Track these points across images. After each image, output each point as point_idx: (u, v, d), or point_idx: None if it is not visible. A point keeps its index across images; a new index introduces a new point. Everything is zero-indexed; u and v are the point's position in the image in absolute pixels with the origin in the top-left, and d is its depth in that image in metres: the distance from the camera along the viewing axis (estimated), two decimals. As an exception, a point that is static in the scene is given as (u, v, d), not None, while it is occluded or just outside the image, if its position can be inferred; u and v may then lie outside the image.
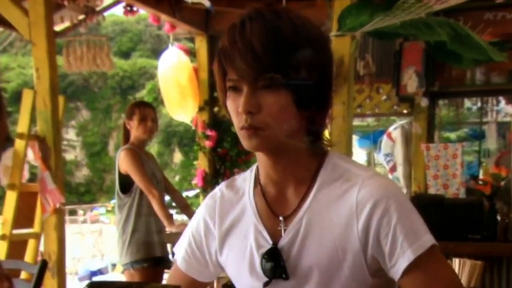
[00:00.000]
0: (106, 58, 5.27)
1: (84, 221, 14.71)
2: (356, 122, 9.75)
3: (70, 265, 11.24)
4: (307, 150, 1.29)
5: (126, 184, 4.08)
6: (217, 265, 1.43)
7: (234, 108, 1.24)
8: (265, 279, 1.30)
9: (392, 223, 1.20)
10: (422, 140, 6.29)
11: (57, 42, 4.58)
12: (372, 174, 1.28)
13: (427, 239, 1.21)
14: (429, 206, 3.89)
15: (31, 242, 4.52)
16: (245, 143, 1.24)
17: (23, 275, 3.60)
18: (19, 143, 4.31)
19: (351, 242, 1.23)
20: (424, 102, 6.12)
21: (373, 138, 9.72)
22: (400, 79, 6.11)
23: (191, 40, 6.81)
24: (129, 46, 36.21)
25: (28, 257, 4.45)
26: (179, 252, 1.47)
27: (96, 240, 13.50)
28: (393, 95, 6.45)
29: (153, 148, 29.98)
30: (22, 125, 4.36)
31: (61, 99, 4.54)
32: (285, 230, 1.29)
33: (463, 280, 2.44)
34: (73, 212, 15.85)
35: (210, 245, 1.41)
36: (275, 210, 1.32)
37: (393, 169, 7.13)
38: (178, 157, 29.93)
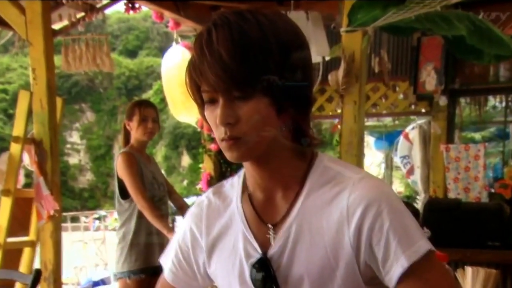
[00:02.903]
0: (106, 57, 5.28)
1: (87, 228, 14.75)
2: (372, 122, 9.73)
3: (71, 275, 11.29)
4: (293, 153, 1.29)
5: (126, 189, 4.07)
6: (206, 276, 1.43)
7: (213, 120, 1.24)
8: None
9: (384, 228, 1.19)
10: (441, 140, 6.26)
11: (55, 41, 4.59)
12: (363, 176, 1.27)
13: (422, 245, 1.20)
14: (445, 212, 3.87)
15: (26, 251, 4.53)
16: (228, 154, 1.24)
17: (18, 286, 3.61)
18: (14, 147, 4.33)
19: (343, 249, 1.22)
20: (443, 101, 6.09)
21: (390, 139, 9.69)
22: (418, 76, 6.09)
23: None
24: (135, 45, 36.42)
25: (23, 266, 4.47)
26: (166, 264, 1.48)
27: (99, 248, 13.53)
28: (410, 93, 6.43)
29: (160, 151, 30.12)
30: (17, 128, 4.38)
31: (59, 101, 4.56)
32: (274, 238, 1.29)
33: (476, 290, 2.42)
34: (75, 219, 15.90)
35: (198, 256, 1.41)
36: (263, 217, 1.32)
37: (410, 172, 7.11)
38: (186, 160, 30.00)
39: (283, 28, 1.23)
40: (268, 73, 1.18)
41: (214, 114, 1.22)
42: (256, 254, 1.30)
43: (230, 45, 1.17)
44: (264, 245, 1.30)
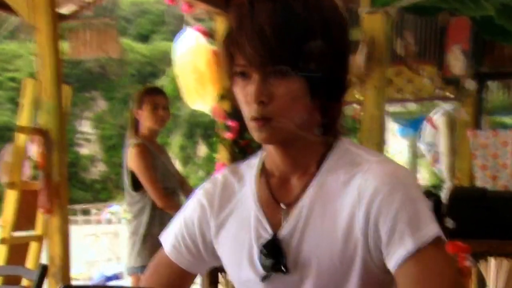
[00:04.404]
0: (114, 43, 5.28)
1: (99, 222, 14.85)
2: (396, 108, 9.67)
3: (83, 270, 11.37)
4: (318, 140, 1.30)
5: (137, 181, 4.06)
6: (211, 255, 1.42)
7: (243, 97, 1.24)
8: (263, 272, 1.30)
9: (392, 209, 1.18)
10: (468, 127, 6.20)
11: (64, 27, 4.59)
12: (382, 159, 1.27)
13: (431, 229, 1.18)
14: (469, 201, 3.83)
15: (33, 246, 4.54)
16: (256, 135, 1.25)
17: (24, 282, 3.63)
18: (19, 137, 4.35)
19: (354, 232, 1.22)
20: (471, 85, 6.04)
21: (415, 125, 9.62)
22: (445, 59, 6.03)
23: (210, 20, 6.79)
24: (149, 29, 36.48)
25: (30, 262, 4.49)
26: (168, 239, 1.46)
27: (112, 242, 13.60)
28: (436, 77, 6.37)
29: (175, 140, 30.19)
30: (23, 117, 4.40)
31: (66, 89, 4.56)
32: (286, 219, 1.29)
33: (500, 281, 2.40)
34: (86, 212, 16.01)
35: (205, 233, 1.41)
36: (277, 197, 1.33)
37: (436, 159, 7.03)
38: (202, 150, 30.08)
39: (327, 6, 1.24)
40: (309, 52, 1.19)
41: (245, 90, 1.23)
42: (266, 235, 1.31)
43: (273, 19, 1.17)
44: (276, 226, 1.31)
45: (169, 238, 1.46)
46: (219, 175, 1.44)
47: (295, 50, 1.18)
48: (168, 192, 4.07)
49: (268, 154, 1.35)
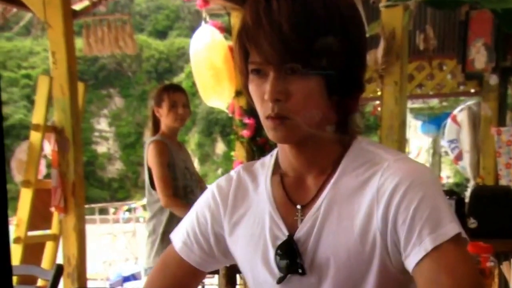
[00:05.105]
0: (129, 39, 5.30)
1: (116, 221, 14.88)
2: (417, 104, 9.64)
3: (100, 270, 11.40)
4: (334, 137, 1.30)
5: (157, 179, 4.08)
6: (223, 253, 1.43)
7: (259, 95, 1.24)
8: (280, 274, 1.30)
9: (411, 208, 1.18)
10: (492, 123, 6.17)
11: (78, 23, 4.61)
12: (400, 157, 1.27)
13: (451, 228, 1.18)
14: (492, 200, 3.81)
15: (48, 245, 4.57)
16: (271, 134, 1.25)
17: (40, 282, 3.65)
18: (34, 135, 4.38)
19: (372, 232, 1.22)
20: (494, 80, 6.02)
21: (437, 122, 9.59)
22: (467, 53, 6.00)
23: (227, 16, 6.78)
24: (165, 25, 36.45)
25: (46, 261, 4.52)
26: (178, 236, 1.46)
27: (130, 241, 13.63)
28: (458, 72, 6.36)
29: (192, 138, 30.23)
30: (37, 115, 4.43)
31: (81, 86, 4.59)
32: (302, 220, 1.30)
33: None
34: (103, 211, 16.05)
35: (217, 231, 1.41)
36: (292, 198, 1.33)
37: (459, 157, 7.01)
38: (220, 148, 30.06)
39: (344, 4, 1.24)
40: (326, 49, 1.19)
41: (261, 88, 1.23)
42: (282, 236, 1.31)
43: (292, 16, 1.18)
44: (291, 227, 1.31)
45: (179, 235, 1.46)
46: (234, 173, 1.44)
47: (312, 48, 1.18)
48: (188, 191, 4.09)
49: (282, 153, 1.35)
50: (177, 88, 4.31)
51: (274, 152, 1.40)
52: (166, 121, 4.12)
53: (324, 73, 1.20)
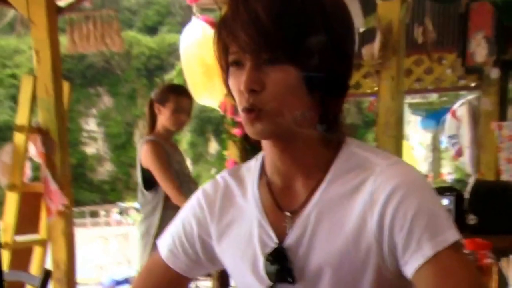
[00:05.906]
0: (115, 36, 5.26)
1: (108, 224, 14.92)
2: (416, 99, 9.64)
3: (92, 274, 11.43)
4: (320, 138, 1.28)
5: (150, 179, 4.07)
6: (210, 260, 1.43)
7: (236, 87, 1.23)
8: (269, 282, 1.30)
9: (409, 214, 1.18)
10: (493, 118, 6.18)
11: (62, 20, 4.59)
12: (392, 162, 1.26)
13: (451, 234, 1.18)
14: (491, 195, 3.82)
15: (36, 250, 4.56)
16: (248, 128, 1.23)
17: (28, 288, 3.65)
18: (18, 137, 4.35)
19: (366, 238, 1.22)
20: (495, 73, 6.01)
21: (437, 117, 9.60)
22: (467, 46, 5.98)
23: (219, 11, 6.78)
24: (155, 20, 36.45)
25: (34, 267, 4.50)
26: (165, 243, 1.47)
27: (122, 244, 13.65)
28: (458, 66, 6.34)
29: (185, 137, 30.23)
30: (21, 116, 4.40)
31: (65, 85, 4.57)
32: (291, 227, 1.29)
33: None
34: (95, 214, 16.08)
35: (204, 237, 1.41)
36: (281, 204, 1.32)
37: (459, 153, 7.01)
38: (213, 147, 30.07)
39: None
40: (305, 41, 1.18)
41: (238, 80, 1.22)
42: (271, 243, 1.30)
43: (270, 6, 1.17)
44: (281, 234, 1.30)
45: (165, 242, 1.46)
46: (220, 178, 1.43)
47: (291, 39, 1.17)
48: (183, 191, 4.08)
49: (267, 156, 1.33)
50: (184, 93, 4.25)
51: (260, 156, 1.39)
52: (165, 122, 4.09)
53: (302, 66, 1.19)
